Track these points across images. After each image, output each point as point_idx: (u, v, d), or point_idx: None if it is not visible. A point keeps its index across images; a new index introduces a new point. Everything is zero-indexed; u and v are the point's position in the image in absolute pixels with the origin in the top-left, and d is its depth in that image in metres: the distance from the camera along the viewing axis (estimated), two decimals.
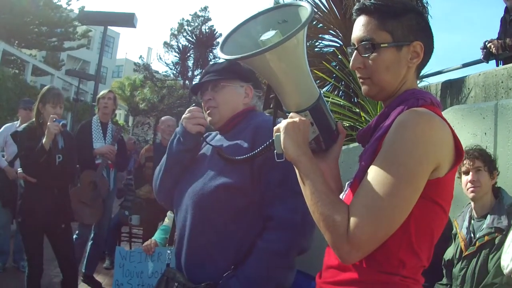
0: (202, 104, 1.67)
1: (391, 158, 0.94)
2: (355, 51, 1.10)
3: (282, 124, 1.07)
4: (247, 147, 1.47)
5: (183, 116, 1.60)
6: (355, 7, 1.11)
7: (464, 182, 2.12)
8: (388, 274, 0.98)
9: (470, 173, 2.09)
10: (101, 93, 4.33)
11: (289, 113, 1.11)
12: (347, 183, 1.15)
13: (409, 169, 0.92)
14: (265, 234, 1.40)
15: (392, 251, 0.96)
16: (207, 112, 1.63)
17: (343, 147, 3.01)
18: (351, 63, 1.12)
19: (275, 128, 1.10)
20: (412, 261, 0.98)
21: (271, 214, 1.41)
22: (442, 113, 1.09)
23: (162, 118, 4.77)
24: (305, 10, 1.05)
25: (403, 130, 0.95)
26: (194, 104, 1.65)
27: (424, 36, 1.08)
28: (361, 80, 1.13)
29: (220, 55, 1.08)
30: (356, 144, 2.85)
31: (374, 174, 0.94)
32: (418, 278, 1.02)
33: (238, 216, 1.44)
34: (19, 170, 3.24)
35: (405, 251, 0.97)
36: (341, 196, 1.12)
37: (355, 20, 1.13)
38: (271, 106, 1.28)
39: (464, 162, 2.11)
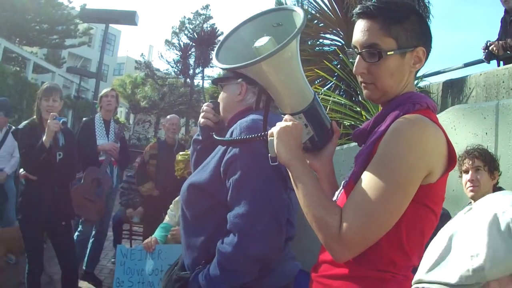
0: None
1: (384, 164, 0.97)
2: (358, 55, 1.09)
3: (276, 128, 1.09)
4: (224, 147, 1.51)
5: None
6: (357, 10, 1.10)
7: (464, 181, 2.13)
8: (378, 271, 1.01)
9: (470, 172, 2.10)
10: (104, 91, 4.37)
11: (285, 115, 1.14)
12: (342, 182, 1.17)
13: (401, 175, 0.95)
14: (225, 236, 1.40)
15: (384, 251, 1.00)
16: None
17: (345, 146, 3.01)
18: (354, 68, 1.12)
19: (269, 132, 1.13)
20: (402, 261, 1.02)
21: (228, 217, 1.40)
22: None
23: (167, 117, 4.82)
24: (298, 17, 1.05)
25: (396, 137, 0.98)
26: (210, 100, 1.78)
27: (425, 39, 1.09)
28: (363, 85, 1.13)
29: (215, 64, 1.10)
30: None
31: (367, 178, 0.98)
32: (408, 275, 1.04)
33: (207, 215, 1.48)
34: (21, 170, 3.26)
35: (396, 252, 1.01)
36: (336, 194, 1.16)
37: (355, 22, 1.11)
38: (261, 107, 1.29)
39: (464, 161, 2.12)
